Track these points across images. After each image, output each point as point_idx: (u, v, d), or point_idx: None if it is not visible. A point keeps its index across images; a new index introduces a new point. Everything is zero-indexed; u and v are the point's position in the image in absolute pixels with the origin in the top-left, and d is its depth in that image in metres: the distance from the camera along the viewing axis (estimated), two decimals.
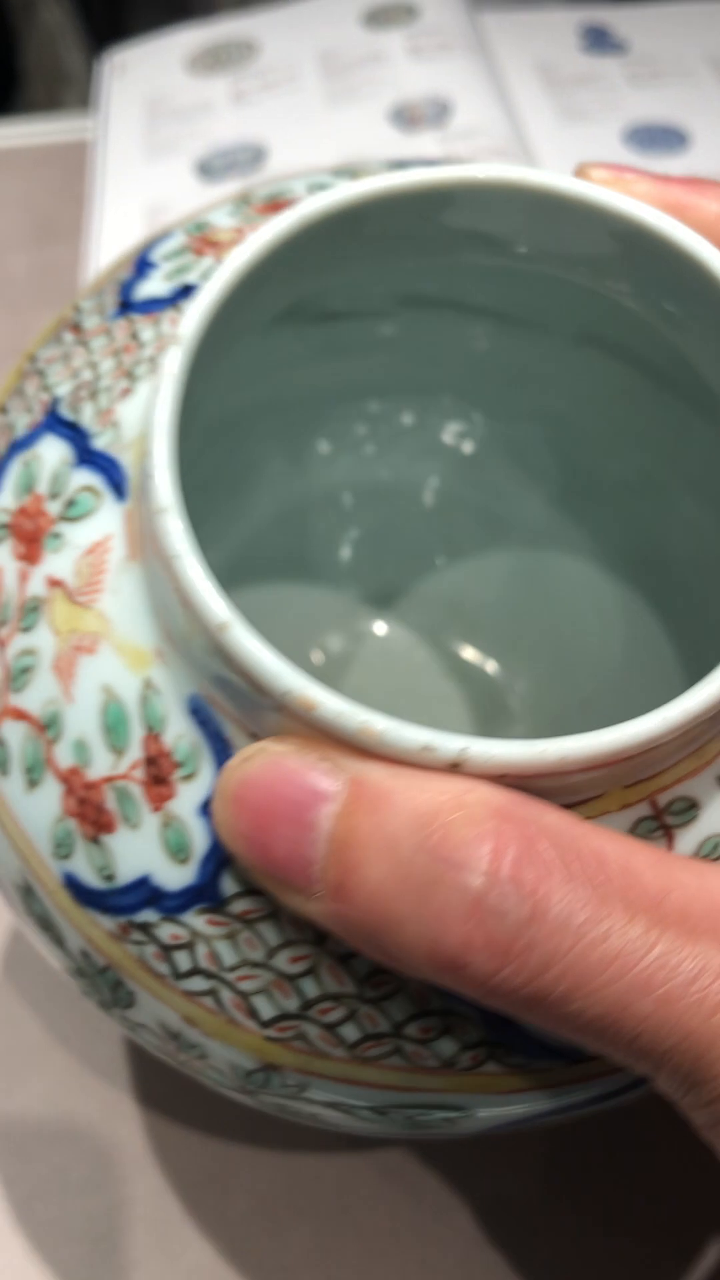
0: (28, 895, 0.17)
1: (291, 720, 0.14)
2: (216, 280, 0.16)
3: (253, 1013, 0.16)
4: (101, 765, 0.16)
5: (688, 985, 0.13)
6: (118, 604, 0.16)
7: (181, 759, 0.16)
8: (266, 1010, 0.16)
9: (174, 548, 0.14)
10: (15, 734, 0.16)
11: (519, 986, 0.13)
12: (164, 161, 0.55)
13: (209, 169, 0.54)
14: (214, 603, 0.14)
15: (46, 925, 0.17)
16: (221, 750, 0.16)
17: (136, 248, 0.21)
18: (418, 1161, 0.26)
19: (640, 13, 0.65)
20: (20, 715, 0.16)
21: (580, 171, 0.19)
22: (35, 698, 0.16)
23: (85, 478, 0.17)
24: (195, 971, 0.16)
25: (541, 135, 0.55)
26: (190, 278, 0.19)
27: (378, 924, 0.14)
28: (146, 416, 0.16)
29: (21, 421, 0.18)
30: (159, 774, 0.16)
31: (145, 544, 0.16)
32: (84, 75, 1.34)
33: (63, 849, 0.16)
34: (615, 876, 0.13)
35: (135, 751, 0.16)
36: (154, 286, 0.19)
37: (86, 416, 0.18)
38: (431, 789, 0.14)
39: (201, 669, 0.15)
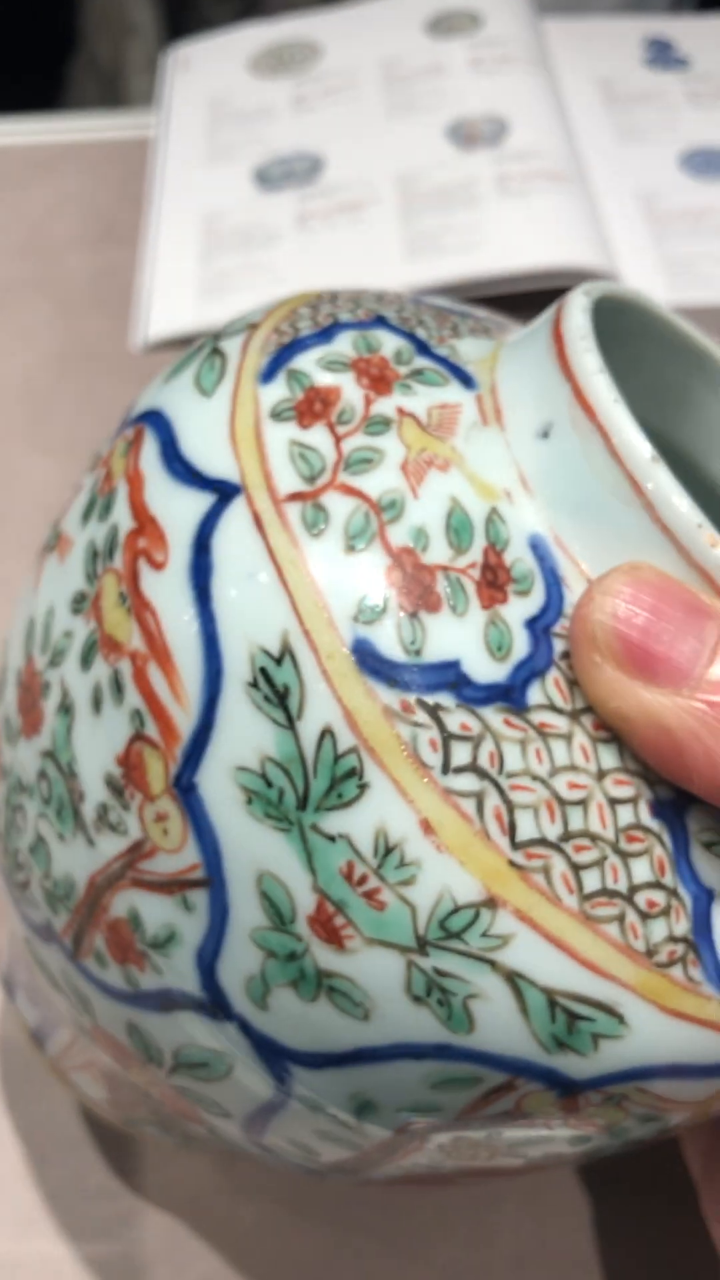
0: (270, 661, 0.17)
1: (675, 556, 0.17)
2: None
3: (512, 829, 0.16)
4: (439, 554, 0.17)
5: None
6: (470, 448, 0.18)
7: (518, 576, 0.17)
8: (527, 829, 0.16)
9: (606, 402, 0.17)
10: (342, 506, 0.17)
11: None
12: (223, 167, 0.56)
13: (266, 177, 0.55)
14: (642, 443, 0.17)
15: (281, 696, 0.16)
16: (555, 585, 0.18)
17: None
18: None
19: (705, 25, 0.65)
20: (352, 492, 0.17)
21: None
22: (374, 483, 0.17)
23: (431, 364, 0.19)
24: (470, 768, 0.16)
25: (598, 157, 0.56)
26: None
27: None
28: (497, 350, 0.20)
29: (345, 315, 0.20)
30: (495, 580, 0.17)
31: (507, 415, 0.18)
32: (150, 30, 1.33)
33: (368, 615, 0.17)
34: None
35: (475, 554, 0.17)
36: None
37: (420, 333, 0.20)
38: None
39: (596, 506, 0.17)
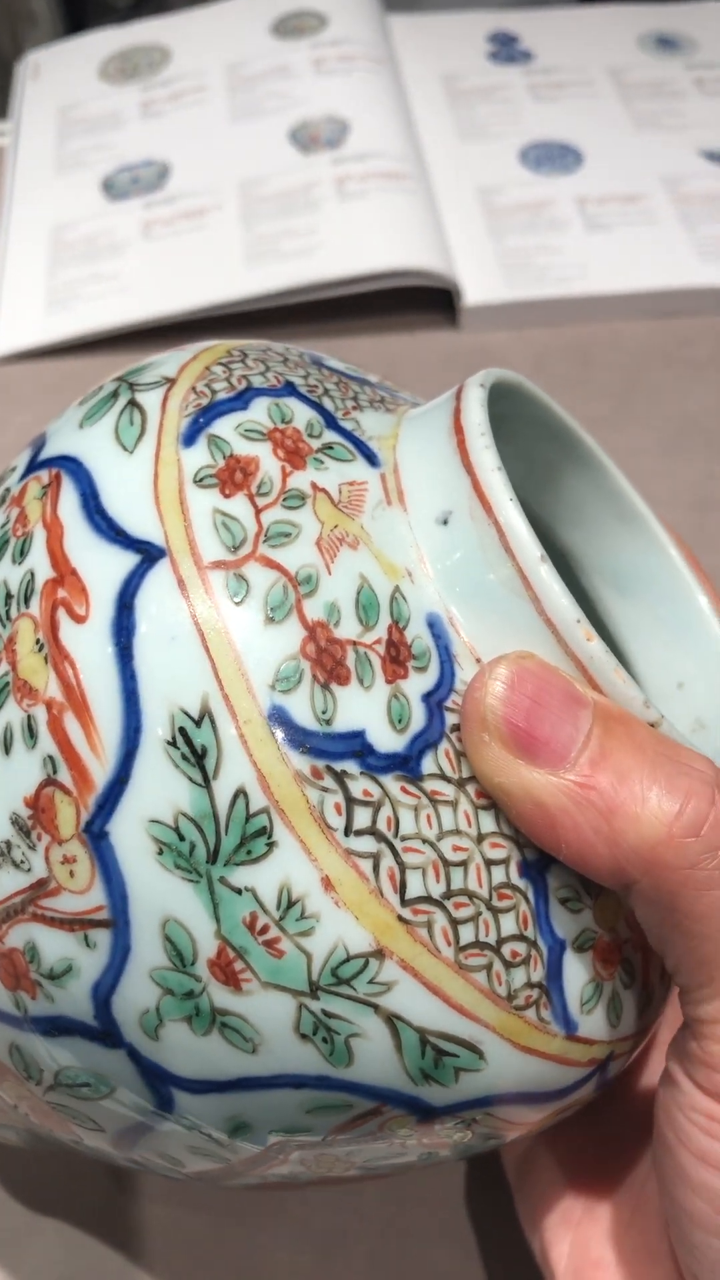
0: (190, 721, 0.17)
1: (554, 645, 0.19)
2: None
3: (402, 887, 0.18)
4: (349, 629, 0.18)
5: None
6: (376, 527, 0.19)
7: (417, 653, 0.19)
8: (415, 888, 0.18)
9: (502, 500, 0.19)
10: (262, 578, 0.18)
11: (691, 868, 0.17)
12: (72, 175, 0.57)
13: (114, 185, 0.56)
14: (532, 542, 0.19)
15: (198, 756, 0.17)
16: (449, 662, 0.19)
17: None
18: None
19: (548, 17, 0.66)
20: (272, 564, 0.18)
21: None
22: (293, 558, 0.18)
23: (339, 439, 0.20)
24: (370, 831, 0.18)
25: (440, 154, 0.57)
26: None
27: (611, 804, 0.17)
28: (397, 428, 0.21)
29: (257, 378, 0.21)
30: (397, 655, 0.19)
31: (410, 497, 0.20)
32: (48, 18, 1.32)
33: (285, 684, 0.18)
34: None
35: (381, 631, 0.19)
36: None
37: (327, 405, 0.21)
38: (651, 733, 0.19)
39: (487, 593, 0.19)
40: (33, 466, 0.21)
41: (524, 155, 0.57)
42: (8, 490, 0.21)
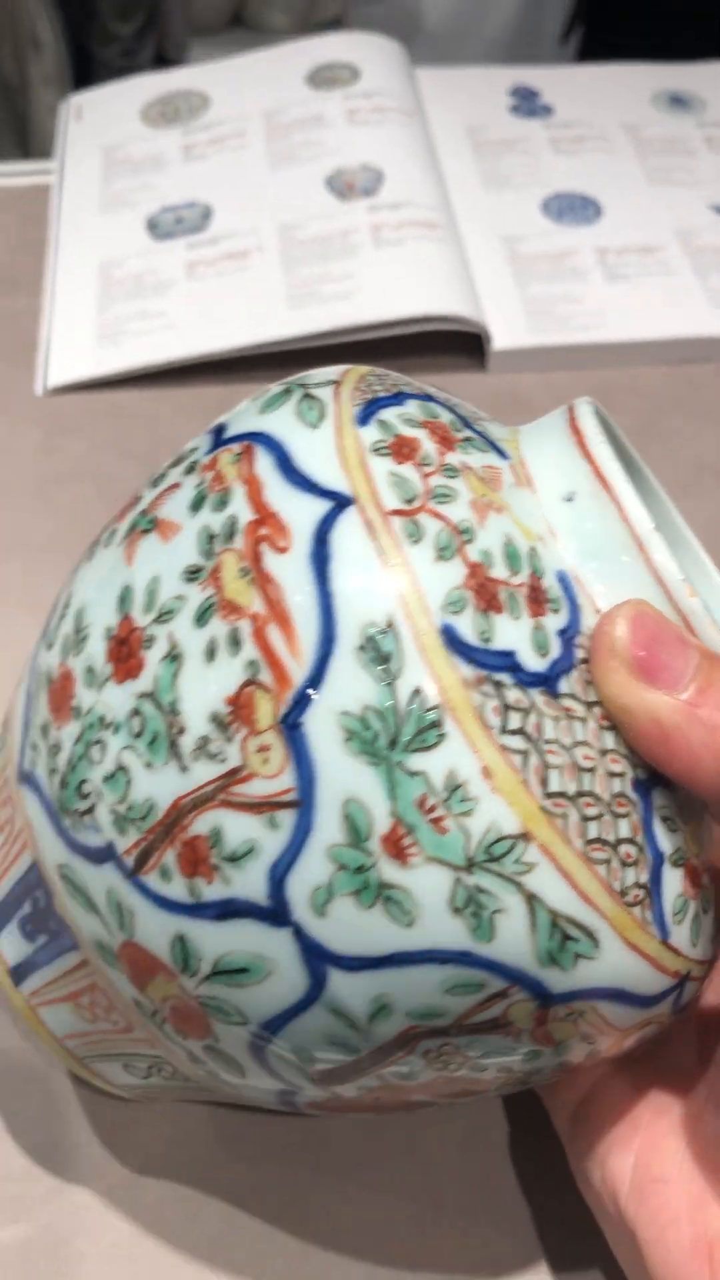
0: (377, 632, 0.21)
1: (663, 600, 0.23)
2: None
3: (544, 782, 0.21)
4: (500, 572, 0.22)
5: None
6: (513, 501, 0.24)
7: (551, 598, 0.23)
8: (554, 784, 0.21)
9: (620, 482, 0.24)
10: (432, 525, 0.22)
11: None
12: (117, 214, 0.60)
13: (157, 225, 0.59)
14: (645, 515, 0.23)
15: (384, 659, 0.21)
16: (575, 610, 0.23)
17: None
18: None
19: (567, 74, 0.69)
20: (439, 516, 0.22)
21: None
22: (454, 513, 0.22)
23: (474, 435, 0.25)
24: (520, 732, 0.21)
25: (466, 203, 0.60)
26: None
27: (717, 723, 0.21)
28: (514, 435, 0.26)
29: (404, 387, 0.25)
30: (537, 598, 0.22)
31: (537, 482, 0.25)
32: (53, 45, 1.34)
33: (453, 607, 0.21)
34: None
35: (524, 577, 0.23)
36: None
37: (460, 411, 0.26)
38: None
39: (606, 556, 0.24)
40: (219, 444, 0.25)
41: (546, 206, 0.60)
42: (195, 461, 0.25)
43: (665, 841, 0.23)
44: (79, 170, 0.63)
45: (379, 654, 0.21)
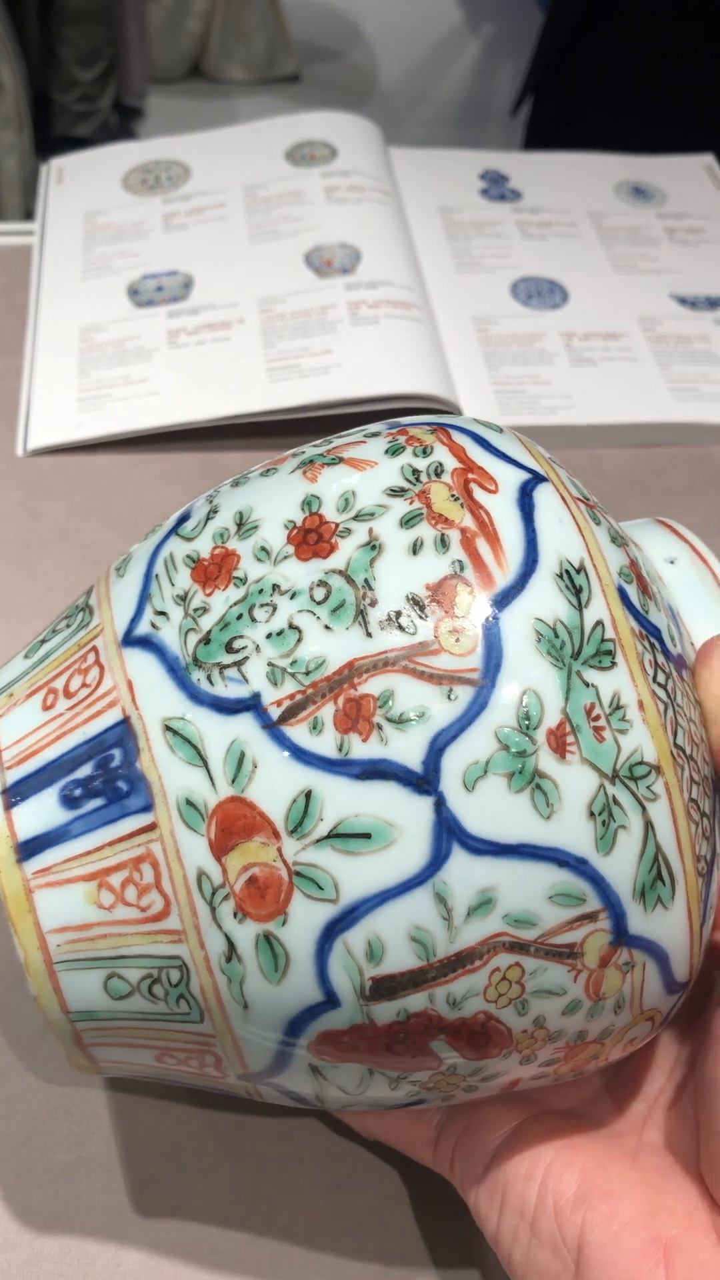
0: (573, 569, 0.24)
1: None
2: None
3: (675, 732, 0.24)
4: (647, 575, 0.27)
5: None
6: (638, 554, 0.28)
7: (673, 613, 0.27)
8: (680, 738, 0.24)
9: (709, 554, 0.29)
10: (603, 520, 0.26)
11: None
12: (98, 280, 0.61)
13: (138, 292, 0.60)
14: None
15: (576, 590, 0.24)
16: (680, 631, 0.27)
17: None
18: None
19: (535, 160, 0.72)
20: (606, 517, 0.27)
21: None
22: (612, 522, 0.28)
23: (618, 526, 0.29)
24: (664, 686, 0.25)
25: (440, 283, 0.62)
26: None
27: None
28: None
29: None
30: (664, 607, 0.27)
31: (644, 549, 0.30)
32: (15, 88, 1.36)
33: (624, 577, 0.25)
34: None
35: (657, 589, 0.27)
36: None
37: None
38: None
39: (698, 600, 0.29)
40: (395, 434, 0.27)
41: (515, 289, 0.63)
42: (376, 431, 0.28)
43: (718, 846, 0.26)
44: (60, 234, 0.64)
45: (573, 585, 0.24)
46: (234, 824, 0.23)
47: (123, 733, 0.25)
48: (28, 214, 1.57)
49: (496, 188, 0.69)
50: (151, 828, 0.24)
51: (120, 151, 0.69)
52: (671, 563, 0.29)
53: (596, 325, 0.61)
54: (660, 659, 0.25)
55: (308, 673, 0.23)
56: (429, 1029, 0.24)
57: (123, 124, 2.07)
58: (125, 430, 0.54)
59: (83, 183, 0.67)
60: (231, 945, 0.24)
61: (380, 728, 0.23)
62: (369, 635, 0.23)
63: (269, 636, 0.24)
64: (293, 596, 0.24)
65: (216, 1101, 0.34)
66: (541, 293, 0.63)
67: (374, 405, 0.54)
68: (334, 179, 0.65)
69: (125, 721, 0.25)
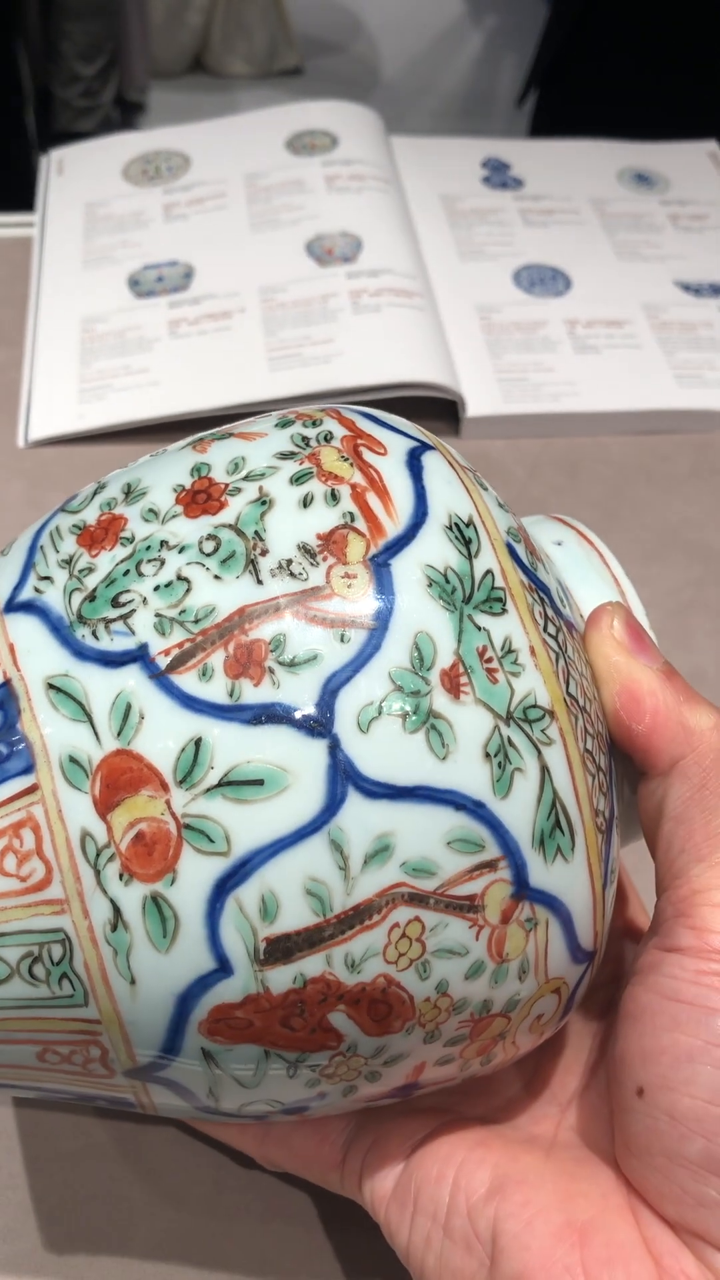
0: (462, 522, 0.25)
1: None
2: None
3: (567, 681, 0.25)
4: (536, 542, 0.28)
5: None
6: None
7: (560, 581, 0.28)
8: (573, 688, 0.25)
9: (595, 539, 0.31)
10: (491, 489, 0.27)
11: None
12: (99, 270, 0.61)
13: (139, 283, 0.60)
14: (614, 559, 0.30)
15: (464, 541, 0.25)
16: (568, 601, 0.28)
17: None
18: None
19: (536, 148, 0.72)
20: (491, 489, 0.28)
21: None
22: (499, 494, 0.28)
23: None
24: (555, 636, 0.25)
25: (443, 271, 0.62)
26: None
27: (685, 693, 0.26)
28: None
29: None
30: (552, 571, 0.28)
31: (532, 534, 0.30)
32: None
33: (511, 536, 0.26)
34: None
35: (545, 555, 0.28)
36: None
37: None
38: None
39: (584, 576, 0.30)
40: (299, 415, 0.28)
41: (517, 277, 0.62)
42: (267, 415, 0.28)
43: (619, 803, 0.26)
44: (60, 225, 0.64)
45: (462, 536, 0.25)
46: (119, 778, 0.22)
47: (3, 696, 0.23)
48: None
49: (498, 175, 0.69)
50: (33, 789, 0.23)
51: (120, 142, 0.68)
52: (559, 544, 0.30)
53: (600, 312, 0.61)
54: (550, 613, 0.25)
55: (196, 620, 0.23)
56: (327, 997, 0.23)
57: (125, 119, 2.07)
58: (127, 421, 0.54)
59: (83, 173, 0.67)
60: (117, 911, 0.22)
61: (272, 671, 0.22)
62: (260, 583, 0.23)
63: (156, 589, 0.23)
64: (181, 550, 0.24)
65: None
66: (544, 280, 0.62)
67: (376, 394, 0.54)
68: (335, 168, 0.65)
69: (6, 685, 0.23)
